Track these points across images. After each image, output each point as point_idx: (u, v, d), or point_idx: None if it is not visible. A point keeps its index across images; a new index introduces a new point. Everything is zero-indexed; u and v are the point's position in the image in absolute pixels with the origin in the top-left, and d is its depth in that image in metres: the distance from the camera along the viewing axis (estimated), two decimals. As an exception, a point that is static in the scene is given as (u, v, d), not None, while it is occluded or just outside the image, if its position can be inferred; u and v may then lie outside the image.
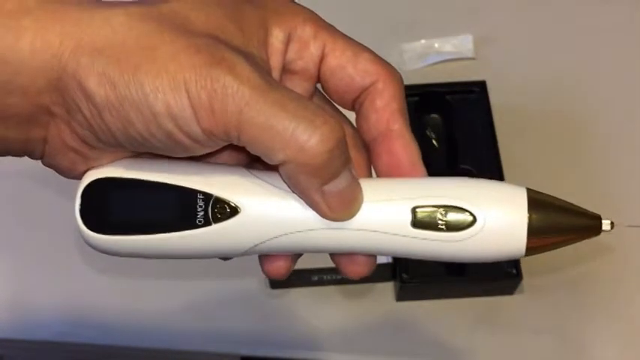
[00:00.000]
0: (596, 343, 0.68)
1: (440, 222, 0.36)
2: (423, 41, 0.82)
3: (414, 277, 0.68)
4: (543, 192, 0.37)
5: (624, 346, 0.68)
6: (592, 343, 0.68)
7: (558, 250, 0.78)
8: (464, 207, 0.36)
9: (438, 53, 0.82)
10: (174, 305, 0.70)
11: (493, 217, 0.36)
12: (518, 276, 0.67)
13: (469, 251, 0.36)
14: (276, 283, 0.70)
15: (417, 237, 0.36)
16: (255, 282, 0.71)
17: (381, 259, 0.69)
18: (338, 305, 0.70)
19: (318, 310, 0.70)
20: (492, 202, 0.36)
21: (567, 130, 0.78)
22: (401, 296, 0.69)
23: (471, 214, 0.36)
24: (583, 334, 0.68)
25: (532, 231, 0.36)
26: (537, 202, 0.36)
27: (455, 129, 0.75)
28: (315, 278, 0.69)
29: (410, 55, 0.82)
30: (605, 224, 0.37)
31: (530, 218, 0.36)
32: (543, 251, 0.37)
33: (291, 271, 0.40)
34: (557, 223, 0.37)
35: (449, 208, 0.36)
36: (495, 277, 0.69)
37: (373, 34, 0.82)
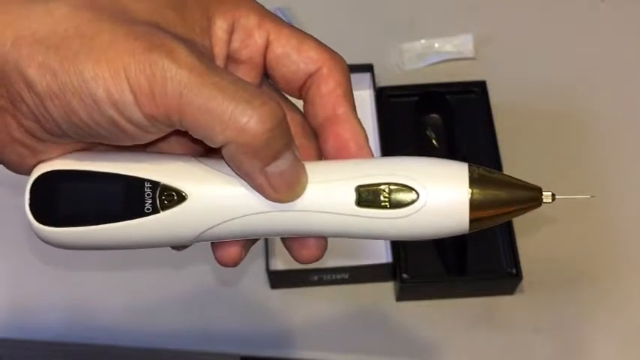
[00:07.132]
0: (596, 342, 0.68)
1: (383, 200, 0.37)
2: (423, 41, 0.82)
3: (414, 277, 0.68)
4: (486, 167, 0.38)
5: (624, 345, 0.68)
6: (592, 343, 0.68)
7: (558, 250, 0.78)
8: (406, 184, 0.37)
9: (438, 53, 0.82)
10: (175, 305, 0.70)
11: (435, 193, 0.36)
12: (518, 276, 0.67)
13: (414, 227, 0.37)
14: (276, 283, 0.70)
15: (362, 215, 0.37)
16: (255, 282, 0.71)
17: (381, 259, 0.69)
18: (338, 305, 0.70)
19: (318, 310, 0.70)
20: (434, 178, 0.37)
21: (567, 130, 0.78)
22: (401, 296, 0.69)
23: (414, 190, 0.36)
24: (583, 334, 0.68)
25: (474, 205, 0.36)
26: (479, 176, 0.37)
27: (455, 129, 0.75)
28: (315, 278, 0.69)
29: (410, 55, 0.82)
30: (546, 196, 0.38)
31: (472, 193, 0.36)
32: (488, 225, 0.37)
33: (244, 257, 0.40)
34: (499, 196, 0.37)
35: (392, 185, 0.37)
36: (495, 277, 0.69)
37: (373, 34, 0.82)
